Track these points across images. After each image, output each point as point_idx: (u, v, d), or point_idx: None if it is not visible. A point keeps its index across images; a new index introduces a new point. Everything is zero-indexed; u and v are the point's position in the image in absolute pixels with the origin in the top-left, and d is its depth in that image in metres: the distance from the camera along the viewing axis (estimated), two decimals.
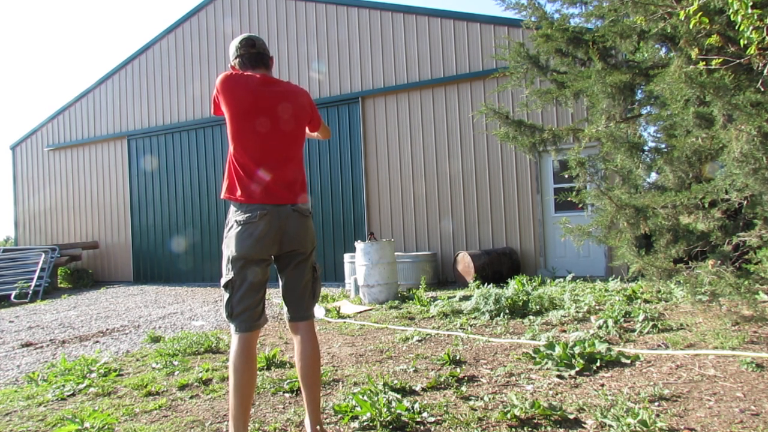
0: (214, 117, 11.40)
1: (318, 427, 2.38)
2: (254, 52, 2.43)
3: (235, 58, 2.45)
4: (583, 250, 8.57)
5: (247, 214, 2.26)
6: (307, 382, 2.35)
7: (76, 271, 13.28)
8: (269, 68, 2.50)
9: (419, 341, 4.47)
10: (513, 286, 6.41)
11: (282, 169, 2.34)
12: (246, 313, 2.28)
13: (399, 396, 2.91)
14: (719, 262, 3.69)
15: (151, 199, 12.86)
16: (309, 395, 2.36)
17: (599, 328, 4.35)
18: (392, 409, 2.61)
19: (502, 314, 5.19)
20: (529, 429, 2.45)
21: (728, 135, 3.13)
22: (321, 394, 3.15)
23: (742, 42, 2.92)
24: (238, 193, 2.29)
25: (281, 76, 11.17)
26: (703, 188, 3.54)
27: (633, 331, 4.27)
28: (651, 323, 4.33)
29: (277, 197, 2.31)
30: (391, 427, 2.56)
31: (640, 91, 5.29)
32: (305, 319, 2.42)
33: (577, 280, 7.52)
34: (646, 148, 4.89)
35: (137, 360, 4.51)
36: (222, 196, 2.37)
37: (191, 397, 3.29)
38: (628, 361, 3.41)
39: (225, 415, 2.94)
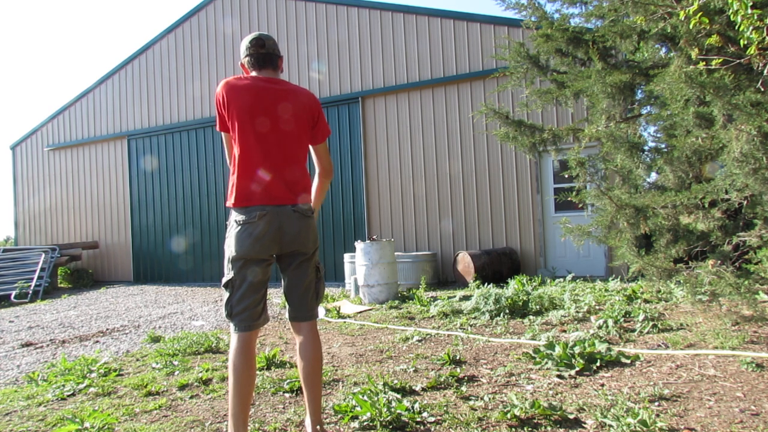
0: (214, 117, 11.38)
1: (318, 427, 2.38)
2: (263, 53, 2.42)
3: (245, 56, 2.45)
4: (583, 250, 8.57)
5: (247, 215, 2.27)
6: (308, 383, 2.35)
7: (76, 271, 13.28)
8: (277, 69, 2.48)
9: (419, 341, 4.47)
10: (513, 286, 6.42)
11: (282, 169, 2.33)
12: (245, 312, 2.28)
13: (399, 396, 2.91)
14: (719, 262, 3.69)
15: (151, 199, 12.86)
16: (310, 395, 2.37)
17: (599, 328, 4.35)
18: (392, 409, 2.61)
19: (502, 314, 5.19)
20: (529, 429, 2.45)
21: (728, 135, 3.13)
22: (321, 394, 3.16)
23: (742, 42, 2.92)
24: (239, 193, 2.30)
25: (281, 76, 11.15)
26: (703, 188, 3.54)
27: (633, 331, 4.27)
28: (651, 323, 4.33)
29: (276, 198, 2.30)
30: (391, 427, 2.57)
31: (640, 91, 5.29)
32: (307, 319, 2.41)
33: (577, 280, 7.52)
34: (646, 148, 4.89)
35: (137, 360, 4.51)
36: (226, 202, 2.39)
37: (191, 397, 3.29)
38: (628, 361, 3.42)
39: (225, 415, 2.94)
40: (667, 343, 3.82)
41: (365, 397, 2.75)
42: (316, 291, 2.46)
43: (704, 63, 3.18)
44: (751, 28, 2.78)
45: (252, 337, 2.30)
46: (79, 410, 3.13)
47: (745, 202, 3.71)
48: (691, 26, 3.04)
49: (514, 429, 2.46)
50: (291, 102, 2.36)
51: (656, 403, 2.68)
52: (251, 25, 11.65)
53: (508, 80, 5.88)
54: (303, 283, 2.40)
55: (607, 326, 4.34)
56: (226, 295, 2.32)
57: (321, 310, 6.25)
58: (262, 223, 2.26)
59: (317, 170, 2.55)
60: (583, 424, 2.47)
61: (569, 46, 5.22)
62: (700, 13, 2.94)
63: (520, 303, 5.41)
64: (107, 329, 6.42)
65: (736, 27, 2.88)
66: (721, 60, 3.12)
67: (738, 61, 3.14)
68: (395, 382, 3.15)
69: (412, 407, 2.69)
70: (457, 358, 3.75)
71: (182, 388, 3.50)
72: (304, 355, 2.36)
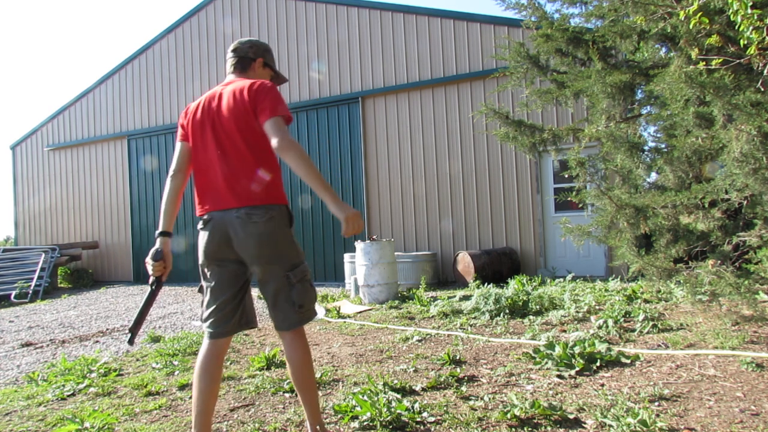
0: None
1: (318, 427, 2.38)
2: (232, 56, 2.43)
3: None
4: (583, 250, 8.57)
5: (199, 222, 2.31)
6: (298, 389, 2.30)
7: (76, 271, 13.28)
8: (246, 70, 2.42)
9: (419, 341, 4.47)
10: (513, 286, 6.41)
11: (228, 173, 2.22)
12: (211, 318, 2.25)
13: (399, 396, 2.91)
14: (719, 261, 3.69)
15: (151, 199, 12.85)
16: (304, 398, 2.33)
17: (599, 328, 4.35)
18: (392, 409, 2.61)
19: (502, 314, 5.19)
20: (529, 429, 2.45)
21: (728, 135, 3.13)
22: (321, 394, 3.16)
23: (742, 42, 2.92)
24: (197, 203, 2.33)
25: None
26: (703, 188, 3.54)
27: (633, 331, 4.27)
28: (651, 323, 4.33)
29: (221, 203, 2.22)
30: (391, 427, 2.56)
31: (640, 91, 5.29)
32: (283, 329, 2.25)
33: (577, 280, 7.52)
34: (646, 148, 4.90)
35: (137, 360, 4.51)
36: None
37: (191, 397, 3.29)
38: (628, 361, 3.41)
39: (225, 414, 2.94)
40: (667, 343, 3.82)
41: (365, 397, 2.75)
42: (291, 298, 2.21)
43: (704, 63, 3.18)
44: (751, 28, 2.78)
45: (218, 346, 2.24)
46: (79, 410, 3.13)
47: (745, 202, 3.71)
48: (691, 26, 3.04)
49: (514, 429, 2.46)
50: (231, 100, 2.24)
51: (656, 403, 2.68)
52: (251, 25, 11.65)
53: (508, 80, 5.88)
54: (269, 292, 2.24)
55: (607, 326, 4.34)
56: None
57: (321, 310, 6.25)
58: (207, 230, 2.26)
59: None
60: (583, 424, 2.47)
61: (569, 46, 5.22)
62: (700, 13, 2.94)
63: (520, 303, 5.41)
64: (107, 329, 6.42)
65: (736, 27, 2.88)
66: (721, 60, 3.12)
67: (738, 61, 3.14)
68: (395, 382, 3.15)
69: (412, 407, 2.69)
70: (457, 358, 3.75)
71: (182, 388, 3.50)
72: (288, 364, 2.30)
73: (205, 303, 2.30)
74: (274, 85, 2.26)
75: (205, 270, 2.29)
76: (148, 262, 2.32)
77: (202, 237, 2.29)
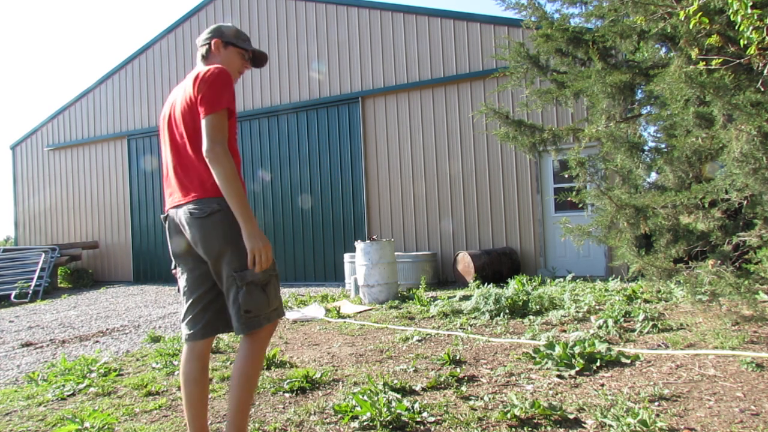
0: None
1: None
2: (198, 47, 2.38)
3: None
4: (583, 250, 8.57)
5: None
6: (230, 389, 2.14)
7: (76, 271, 13.27)
8: (207, 56, 2.34)
9: (419, 341, 4.47)
10: (513, 286, 6.42)
11: (179, 169, 2.17)
12: (185, 319, 2.21)
13: (399, 396, 2.91)
14: (719, 261, 3.69)
15: (151, 199, 12.86)
16: (229, 404, 2.13)
17: (599, 327, 4.35)
18: (392, 409, 2.61)
19: (502, 314, 5.19)
20: (529, 429, 2.45)
21: (728, 135, 3.13)
22: (321, 394, 3.17)
23: (742, 42, 2.92)
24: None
25: (281, 76, 11.18)
26: (703, 188, 3.54)
27: (633, 330, 4.27)
28: (651, 323, 4.33)
29: (174, 200, 2.19)
30: (391, 426, 2.57)
31: (640, 91, 5.29)
32: (236, 332, 2.09)
33: (577, 280, 7.52)
34: (646, 148, 4.90)
35: (137, 360, 4.51)
36: None
37: None
38: (628, 361, 3.42)
39: (225, 414, 2.94)
40: (667, 343, 3.82)
41: (365, 397, 2.75)
42: (236, 301, 2.03)
43: (704, 63, 3.18)
44: (751, 28, 2.78)
45: (196, 349, 2.16)
46: (79, 410, 3.13)
47: (745, 202, 3.71)
48: (691, 26, 3.04)
49: (514, 429, 2.46)
50: (183, 93, 2.19)
51: (656, 403, 2.68)
52: (251, 25, 11.65)
53: (508, 80, 5.88)
54: (224, 291, 2.12)
55: (607, 326, 4.34)
56: None
57: (321, 310, 6.24)
58: (167, 228, 2.24)
59: None
60: (583, 424, 2.47)
61: (569, 46, 5.22)
62: (700, 13, 2.94)
63: (520, 303, 5.41)
64: (107, 329, 6.42)
65: (736, 27, 2.88)
66: (721, 60, 3.13)
67: (738, 61, 3.14)
68: (395, 382, 3.15)
69: (412, 407, 2.69)
70: (457, 358, 3.75)
71: None
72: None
73: (181, 303, 2.27)
74: (222, 72, 2.11)
75: (177, 269, 2.27)
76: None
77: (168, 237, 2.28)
